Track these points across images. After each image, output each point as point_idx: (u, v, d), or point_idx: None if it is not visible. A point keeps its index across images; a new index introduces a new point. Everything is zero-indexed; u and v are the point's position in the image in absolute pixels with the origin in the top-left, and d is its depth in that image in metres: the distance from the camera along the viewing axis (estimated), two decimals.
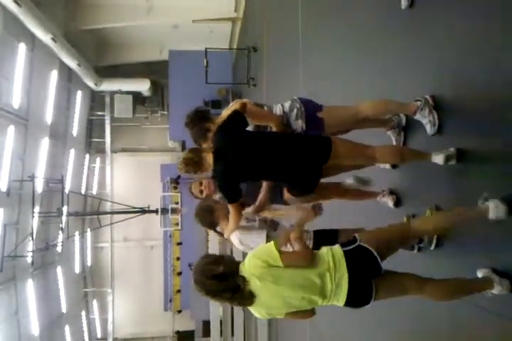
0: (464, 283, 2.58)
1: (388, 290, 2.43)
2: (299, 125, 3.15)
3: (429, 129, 3.03)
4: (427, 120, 3.02)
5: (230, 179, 2.93)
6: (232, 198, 2.99)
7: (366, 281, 2.33)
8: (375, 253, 2.32)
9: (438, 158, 2.80)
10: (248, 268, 2.33)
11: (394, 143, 3.49)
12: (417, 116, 3.07)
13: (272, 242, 2.37)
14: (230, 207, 3.05)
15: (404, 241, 2.63)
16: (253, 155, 2.86)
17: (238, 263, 2.40)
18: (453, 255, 2.95)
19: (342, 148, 2.86)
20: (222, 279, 2.29)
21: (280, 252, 2.32)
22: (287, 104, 3.23)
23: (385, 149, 3.01)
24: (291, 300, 2.34)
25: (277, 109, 3.23)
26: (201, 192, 3.56)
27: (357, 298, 2.36)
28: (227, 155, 2.87)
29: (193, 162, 2.93)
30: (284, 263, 2.30)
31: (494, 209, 2.35)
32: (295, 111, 3.15)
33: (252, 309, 2.43)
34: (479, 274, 2.59)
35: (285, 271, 2.32)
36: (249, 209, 3.31)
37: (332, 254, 2.37)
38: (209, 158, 2.90)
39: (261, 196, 3.29)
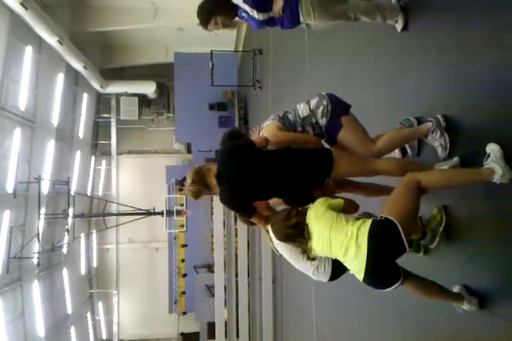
0: (441, 293, 2.68)
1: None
2: (323, 123, 3.04)
3: (441, 152, 2.95)
4: (438, 143, 2.94)
5: (239, 200, 2.98)
6: (249, 214, 3.05)
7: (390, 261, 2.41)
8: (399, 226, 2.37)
9: (445, 167, 2.79)
10: (314, 207, 2.72)
11: (397, 155, 3.45)
12: (429, 139, 2.99)
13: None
14: (255, 221, 3.09)
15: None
16: (259, 180, 2.88)
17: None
18: (451, 256, 2.95)
19: (343, 164, 2.85)
20: (296, 226, 2.70)
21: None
22: (314, 101, 3.08)
23: (387, 163, 2.96)
24: (323, 238, 2.60)
25: (303, 109, 3.09)
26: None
27: (377, 274, 2.44)
28: (229, 178, 2.90)
29: (198, 190, 2.95)
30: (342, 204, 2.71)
31: (501, 173, 2.37)
32: (321, 108, 3.02)
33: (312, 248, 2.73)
34: (454, 289, 2.71)
35: (332, 215, 2.60)
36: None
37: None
38: (213, 180, 2.92)
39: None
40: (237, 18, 3.37)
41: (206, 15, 3.24)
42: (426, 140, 3.04)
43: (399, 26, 3.43)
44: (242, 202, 2.99)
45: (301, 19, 3.20)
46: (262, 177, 2.88)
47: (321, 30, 3.56)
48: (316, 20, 3.20)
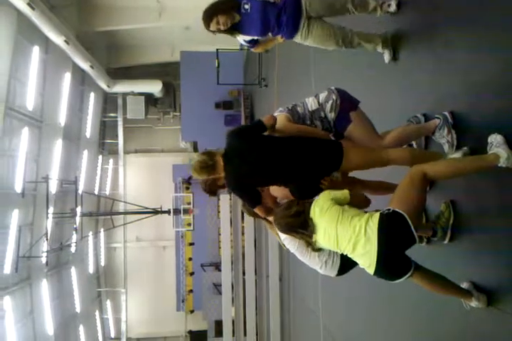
0: (449, 287, 2.64)
1: None
2: (331, 117, 3.03)
3: (447, 149, 2.93)
4: (445, 140, 2.92)
5: (244, 183, 2.93)
6: (254, 202, 2.99)
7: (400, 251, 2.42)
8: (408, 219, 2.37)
9: (456, 156, 2.76)
10: (318, 201, 2.70)
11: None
12: (436, 136, 2.97)
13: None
14: (257, 211, 3.03)
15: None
16: (264, 163, 2.84)
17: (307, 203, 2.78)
18: (459, 252, 2.94)
19: (354, 155, 2.82)
20: (295, 216, 2.70)
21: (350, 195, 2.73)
22: (323, 95, 3.08)
23: (399, 152, 2.93)
24: (329, 231, 2.60)
25: (312, 103, 3.08)
26: None
27: (388, 265, 2.44)
28: (235, 161, 2.86)
29: (206, 165, 2.89)
30: (351, 199, 2.69)
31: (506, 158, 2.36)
32: (330, 102, 3.01)
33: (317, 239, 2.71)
34: (462, 285, 2.68)
35: (338, 209, 2.60)
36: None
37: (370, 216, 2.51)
38: (221, 162, 2.88)
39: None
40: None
41: (209, 15, 3.46)
42: (433, 137, 3.02)
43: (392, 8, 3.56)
44: (247, 186, 2.93)
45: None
46: (268, 159, 2.84)
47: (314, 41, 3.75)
48: None
